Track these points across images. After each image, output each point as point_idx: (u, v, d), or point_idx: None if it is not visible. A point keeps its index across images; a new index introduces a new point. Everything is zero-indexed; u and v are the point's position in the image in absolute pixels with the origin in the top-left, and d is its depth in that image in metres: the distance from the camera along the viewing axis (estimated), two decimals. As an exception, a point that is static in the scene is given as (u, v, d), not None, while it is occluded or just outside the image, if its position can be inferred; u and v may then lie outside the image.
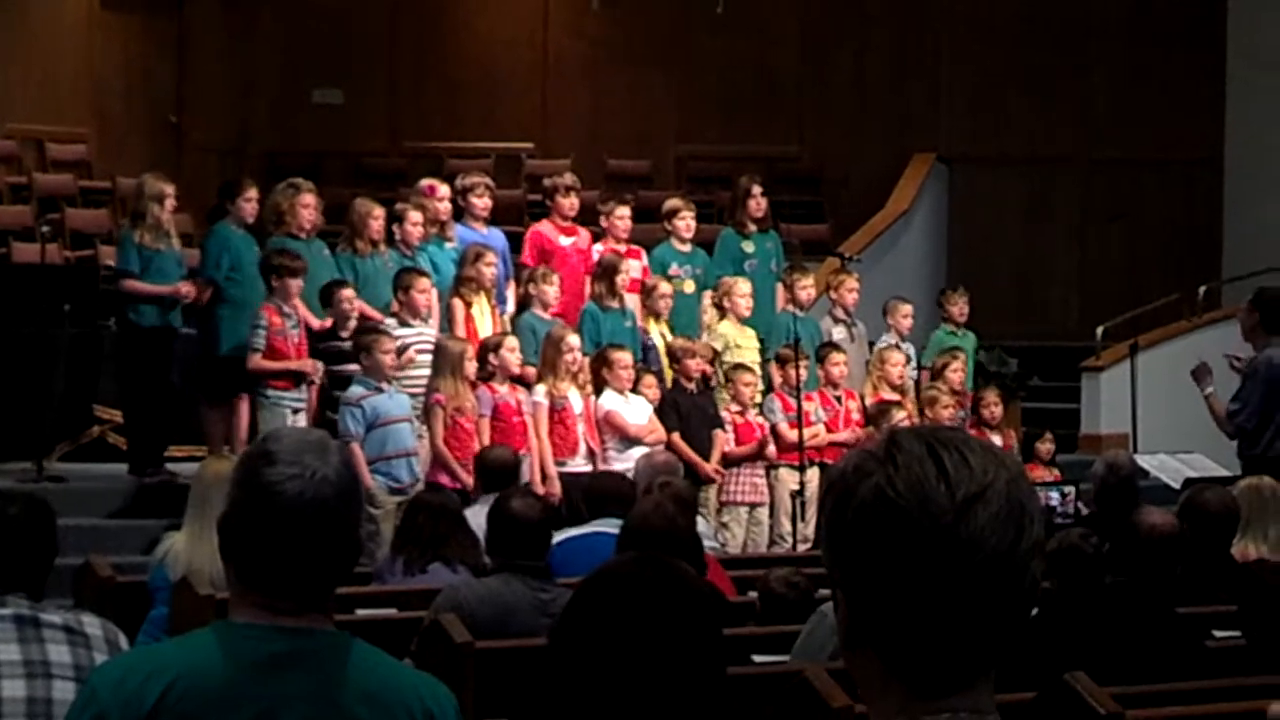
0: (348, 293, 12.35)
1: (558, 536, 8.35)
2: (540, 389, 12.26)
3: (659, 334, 13.48)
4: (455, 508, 9.12)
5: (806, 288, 14.08)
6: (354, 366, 11.85)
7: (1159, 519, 7.39)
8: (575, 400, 12.33)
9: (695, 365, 12.96)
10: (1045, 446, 14.60)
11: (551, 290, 12.93)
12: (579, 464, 12.06)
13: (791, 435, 13.11)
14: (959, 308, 15.03)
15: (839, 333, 14.29)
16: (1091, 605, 6.54)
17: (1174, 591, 6.94)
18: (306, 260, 12.30)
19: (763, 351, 13.78)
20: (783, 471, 13.20)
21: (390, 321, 12.34)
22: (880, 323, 14.76)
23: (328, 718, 3.15)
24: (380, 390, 11.64)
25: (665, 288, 13.57)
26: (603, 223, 13.98)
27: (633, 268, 13.56)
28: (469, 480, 11.70)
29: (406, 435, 11.70)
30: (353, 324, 12.24)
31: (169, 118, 20.25)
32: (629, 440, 12.32)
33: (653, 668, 2.87)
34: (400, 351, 11.94)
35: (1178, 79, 19.76)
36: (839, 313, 14.44)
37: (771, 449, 13.15)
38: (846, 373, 13.73)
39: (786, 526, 13.12)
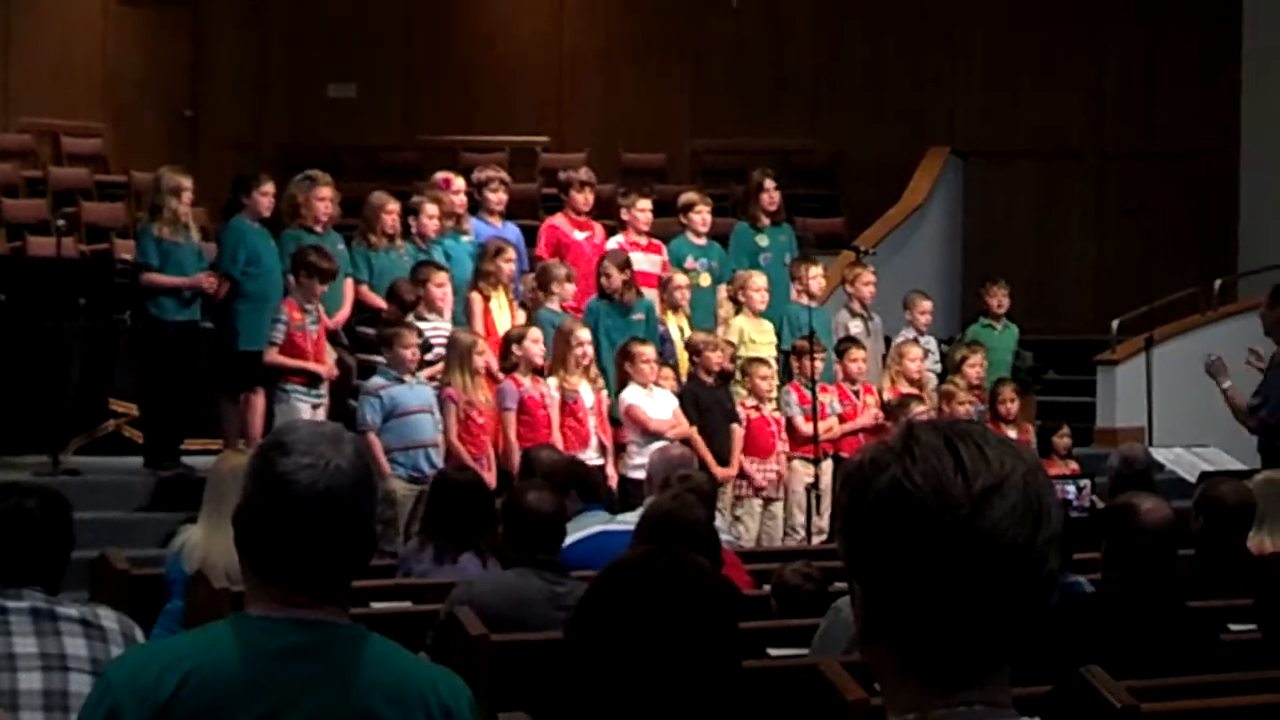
0: (408, 304, 12.43)
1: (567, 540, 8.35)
2: (551, 382, 12.26)
3: (677, 327, 13.45)
4: (487, 497, 9.05)
5: (816, 277, 13.92)
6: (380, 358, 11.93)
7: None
8: (586, 393, 12.32)
9: (716, 359, 12.90)
10: (1063, 441, 14.54)
11: (571, 289, 12.92)
12: (590, 457, 12.02)
13: (807, 428, 13.09)
14: (997, 300, 15.00)
15: (855, 326, 14.23)
16: (1106, 599, 6.52)
17: (1181, 584, 6.92)
18: (338, 264, 12.31)
19: (779, 344, 13.72)
20: (797, 464, 13.17)
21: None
22: (896, 316, 14.72)
23: (343, 711, 3.15)
24: (401, 381, 11.67)
25: (681, 280, 13.52)
26: (624, 215, 13.92)
27: (642, 261, 13.47)
28: (483, 475, 11.70)
29: (427, 427, 11.71)
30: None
31: (184, 112, 20.27)
32: (650, 435, 12.30)
33: (667, 661, 2.87)
34: (436, 361, 12.04)
35: (1193, 71, 19.74)
36: (855, 306, 14.37)
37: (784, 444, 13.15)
38: (865, 368, 13.70)
39: (800, 519, 13.09)
